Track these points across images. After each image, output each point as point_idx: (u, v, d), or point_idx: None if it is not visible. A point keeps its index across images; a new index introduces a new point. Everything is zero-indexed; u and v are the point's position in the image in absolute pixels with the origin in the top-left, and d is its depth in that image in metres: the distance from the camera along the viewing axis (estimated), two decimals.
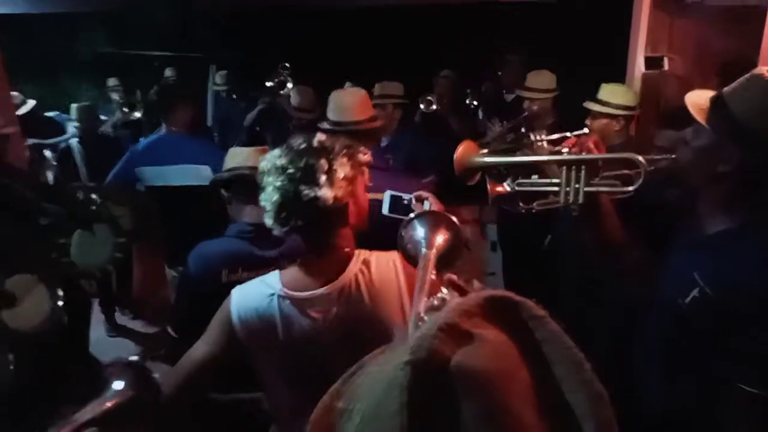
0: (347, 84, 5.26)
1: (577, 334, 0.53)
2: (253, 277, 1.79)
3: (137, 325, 4.31)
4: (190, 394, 1.47)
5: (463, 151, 1.70)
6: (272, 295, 1.41)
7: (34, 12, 6.24)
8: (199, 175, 2.99)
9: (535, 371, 0.48)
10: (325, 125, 2.62)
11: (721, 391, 1.37)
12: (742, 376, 1.34)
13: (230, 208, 2.08)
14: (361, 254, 1.44)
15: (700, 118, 1.43)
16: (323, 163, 1.33)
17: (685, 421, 1.46)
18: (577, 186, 1.51)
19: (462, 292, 0.92)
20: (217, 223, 2.14)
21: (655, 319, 1.57)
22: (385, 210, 1.85)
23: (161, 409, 1.46)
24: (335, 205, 1.34)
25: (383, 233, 1.41)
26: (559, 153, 1.58)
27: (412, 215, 1.23)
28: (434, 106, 4.52)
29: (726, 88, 1.41)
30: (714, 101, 1.41)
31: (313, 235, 1.43)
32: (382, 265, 1.40)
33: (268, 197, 1.37)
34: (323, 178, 1.32)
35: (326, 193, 1.32)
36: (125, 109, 5.00)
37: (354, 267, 1.41)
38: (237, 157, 2.07)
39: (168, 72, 5.94)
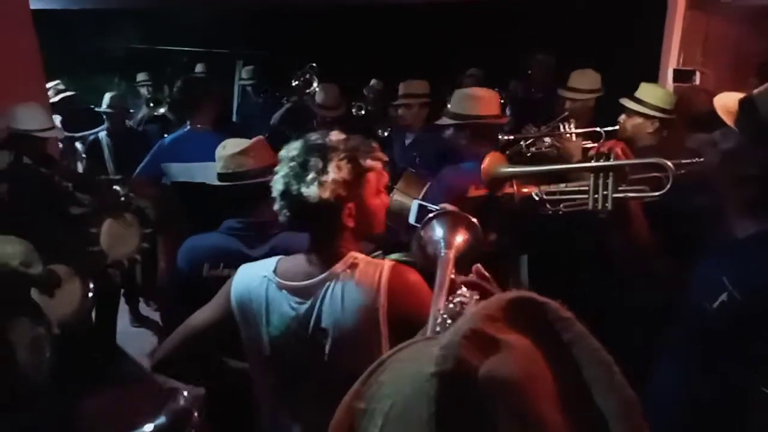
0: (373, 82, 5.29)
1: (600, 337, 0.52)
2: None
3: (160, 317, 4.37)
4: (185, 356, 1.51)
5: (489, 162, 1.69)
6: (264, 277, 1.44)
7: (66, 8, 6.38)
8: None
9: (562, 375, 0.47)
10: (445, 120, 2.61)
11: (745, 396, 1.34)
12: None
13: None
14: (352, 256, 1.43)
15: (728, 120, 1.39)
16: (317, 162, 1.34)
17: (710, 424, 1.44)
18: (605, 193, 1.49)
19: (481, 291, 0.92)
20: None
21: (680, 323, 1.55)
22: (411, 219, 1.85)
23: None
24: (322, 204, 1.34)
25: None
26: (587, 160, 1.56)
27: (430, 215, 1.22)
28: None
29: (756, 90, 1.38)
30: (743, 103, 1.38)
31: (300, 230, 1.47)
32: (366, 272, 1.40)
33: (274, 185, 1.41)
34: (311, 176, 1.33)
35: (311, 191, 1.33)
36: (151, 105, 5.07)
37: (339, 267, 1.40)
38: (229, 163, 2.03)
39: (198, 68, 6.01)
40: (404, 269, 1.41)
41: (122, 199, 3.22)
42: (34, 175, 3.14)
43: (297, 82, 4.57)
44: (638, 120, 2.86)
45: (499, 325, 0.49)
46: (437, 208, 1.72)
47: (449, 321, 0.74)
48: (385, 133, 4.56)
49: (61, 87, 4.84)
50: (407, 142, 3.96)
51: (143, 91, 5.49)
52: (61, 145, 4.17)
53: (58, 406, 2.31)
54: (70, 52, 7.38)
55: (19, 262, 1.63)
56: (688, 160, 1.53)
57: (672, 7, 3.39)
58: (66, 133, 4.26)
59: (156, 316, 4.41)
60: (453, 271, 1.04)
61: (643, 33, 3.97)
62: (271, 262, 1.48)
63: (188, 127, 3.35)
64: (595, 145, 2.93)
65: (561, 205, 1.71)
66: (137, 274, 4.28)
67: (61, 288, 2.31)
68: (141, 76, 5.62)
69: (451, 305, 0.82)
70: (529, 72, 4.65)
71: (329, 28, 7.01)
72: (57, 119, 4.41)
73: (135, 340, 4.09)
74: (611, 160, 1.50)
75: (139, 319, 4.37)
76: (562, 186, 1.65)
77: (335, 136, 1.41)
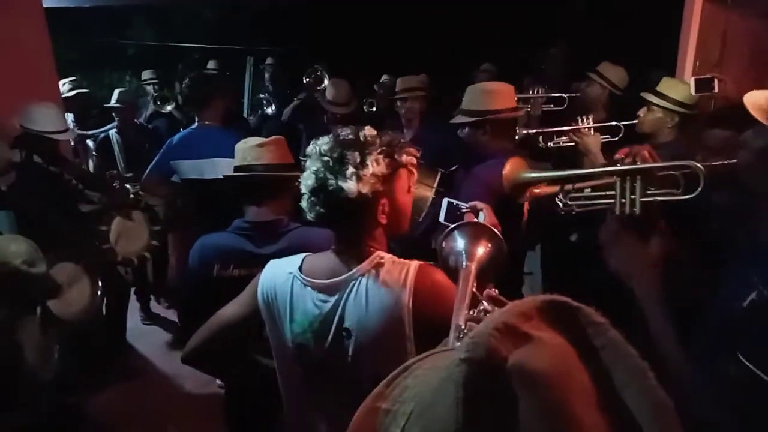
0: (384, 78, 5.25)
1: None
2: (245, 275, 1.82)
3: (171, 314, 4.39)
4: (214, 350, 1.51)
5: (510, 168, 1.65)
6: (290, 273, 1.44)
7: (79, 5, 6.39)
8: (230, 168, 2.99)
9: (594, 376, 0.47)
10: (460, 118, 2.53)
11: None
12: None
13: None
14: (379, 255, 1.39)
15: (760, 117, 1.34)
16: (355, 156, 1.31)
17: (737, 425, 1.40)
18: (633, 197, 1.45)
19: (503, 306, 0.91)
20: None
21: (708, 323, 1.51)
22: (441, 217, 1.82)
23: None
24: (360, 199, 1.31)
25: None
26: (613, 163, 1.52)
27: (452, 226, 1.19)
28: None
29: None
30: None
31: (334, 227, 1.43)
32: (392, 272, 1.36)
33: (304, 181, 1.38)
34: (350, 170, 1.30)
35: (351, 186, 1.30)
36: (158, 102, 5.07)
37: (366, 266, 1.37)
38: (246, 154, 2.03)
39: (211, 64, 6.00)
40: (431, 269, 1.36)
41: (132, 196, 3.22)
42: (44, 173, 3.15)
43: (308, 79, 4.54)
44: (658, 114, 2.80)
45: (533, 323, 0.49)
46: (466, 206, 1.69)
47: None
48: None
49: (76, 83, 4.86)
50: (407, 138, 3.93)
51: (149, 88, 5.49)
52: (72, 143, 4.18)
53: (67, 402, 2.32)
54: (81, 49, 7.43)
55: (21, 261, 1.64)
56: (719, 161, 1.48)
57: (690, 0, 3.30)
58: (78, 132, 4.28)
59: (167, 314, 4.43)
60: (474, 284, 1.01)
61: (660, 27, 3.89)
62: (297, 259, 1.46)
63: (197, 123, 3.34)
64: (614, 139, 2.94)
65: (574, 204, 1.68)
66: (148, 272, 4.29)
67: (70, 288, 2.32)
68: (146, 74, 5.62)
69: (473, 317, 0.81)
70: (543, 67, 4.58)
71: (341, 23, 6.98)
72: (69, 117, 4.44)
73: (146, 337, 4.11)
74: (638, 163, 1.46)
75: (150, 317, 4.38)
76: (587, 191, 1.61)
77: (369, 131, 1.38)
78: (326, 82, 4.39)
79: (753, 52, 3.23)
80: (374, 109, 4.88)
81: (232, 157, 2.09)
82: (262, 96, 5.69)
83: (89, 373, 3.01)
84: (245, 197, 1.99)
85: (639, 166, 1.45)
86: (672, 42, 3.39)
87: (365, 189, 1.31)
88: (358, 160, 1.31)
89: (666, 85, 2.83)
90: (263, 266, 1.83)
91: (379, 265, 1.37)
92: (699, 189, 1.38)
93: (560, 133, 3.08)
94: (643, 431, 0.45)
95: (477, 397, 0.45)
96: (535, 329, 0.48)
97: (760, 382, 1.33)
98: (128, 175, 3.63)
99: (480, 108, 2.45)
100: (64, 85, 4.66)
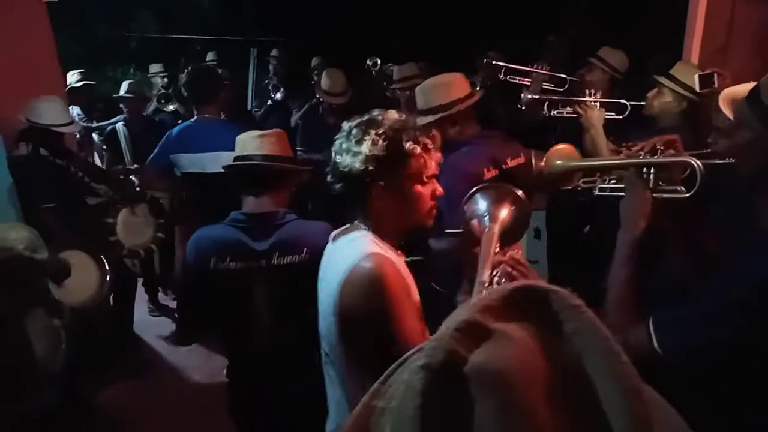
0: (389, 66, 5.21)
1: None
2: (241, 268, 1.85)
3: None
4: None
5: (559, 154, 1.68)
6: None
7: None
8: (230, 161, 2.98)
9: (563, 365, 0.45)
10: (421, 119, 2.33)
11: None
12: None
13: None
14: (358, 228, 1.42)
15: (727, 110, 1.35)
16: (357, 134, 1.36)
17: (756, 422, 1.40)
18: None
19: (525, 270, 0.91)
20: None
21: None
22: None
23: None
24: (352, 175, 1.35)
25: None
26: (636, 155, 1.51)
27: (474, 188, 1.19)
28: (477, 89, 4.42)
29: (763, 78, 1.33)
30: (750, 93, 1.33)
31: (344, 204, 1.46)
32: (344, 254, 1.38)
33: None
34: (345, 145, 1.37)
35: (345, 160, 1.35)
36: (162, 101, 5.04)
37: (338, 233, 1.46)
38: (247, 144, 2.03)
39: (210, 56, 5.98)
40: (370, 268, 1.30)
41: (137, 189, 3.23)
42: (51, 166, 3.16)
43: (314, 81, 4.51)
44: (668, 98, 2.79)
45: (497, 315, 0.47)
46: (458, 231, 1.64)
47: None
48: None
49: (84, 75, 4.86)
50: None
51: (157, 82, 5.47)
52: (78, 136, 4.19)
53: (74, 394, 2.34)
54: (83, 43, 7.42)
55: (23, 247, 1.64)
56: (718, 160, 1.49)
57: None
58: (83, 125, 4.29)
59: (174, 305, 4.45)
60: (498, 245, 1.01)
61: (664, 13, 3.84)
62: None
63: (196, 117, 3.32)
64: (618, 117, 2.96)
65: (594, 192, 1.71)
66: (155, 264, 4.31)
67: (78, 275, 2.34)
68: (155, 68, 5.61)
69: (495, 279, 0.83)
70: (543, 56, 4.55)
71: (342, 12, 6.94)
72: (76, 110, 4.44)
73: (153, 329, 4.14)
74: (657, 155, 1.46)
75: (157, 308, 4.41)
76: (612, 181, 1.64)
77: (392, 113, 1.40)
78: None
79: (760, 38, 3.20)
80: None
81: (233, 150, 2.09)
82: (267, 81, 5.63)
83: (96, 365, 3.03)
84: (243, 188, 1.98)
85: (657, 159, 1.45)
86: (678, 31, 3.36)
87: (355, 165, 1.33)
88: (358, 138, 1.35)
89: (679, 70, 2.81)
90: (258, 259, 1.85)
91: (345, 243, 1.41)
92: (696, 186, 1.38)
93: (565, 103, 3.09)
94: (609, 419, 0.43)
95: (435, 404, 0.44)
96: (501, 322, 0.47)
97: None
98: (134, 167, 3.64)
99: (440, 103, 2.35)
100: (73, 76, 4.67)
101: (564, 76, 3.58)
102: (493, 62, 3.81)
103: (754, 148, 1.33)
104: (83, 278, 2.43)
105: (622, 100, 3.00)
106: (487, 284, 0.80)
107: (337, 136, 1.41)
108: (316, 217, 2.03)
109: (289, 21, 7.28)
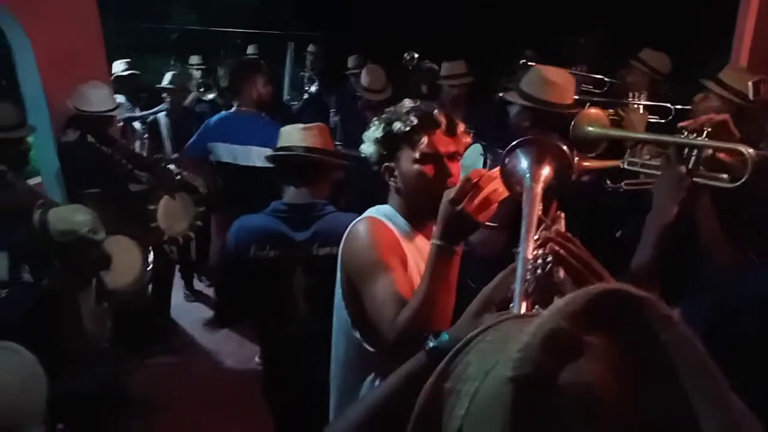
0: (425, 62, 5.20)
1: None
2: (281, 257, 1.91)
3: (213, 292, 4.51)
4: None
5: (588, 116, 1.64)
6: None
7: None
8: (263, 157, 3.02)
9: (654, 381, 0.43)
10: (513, 95, 2.22)
11: None
12: None
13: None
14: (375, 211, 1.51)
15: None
16: (373, 122, 1.49)
17: None
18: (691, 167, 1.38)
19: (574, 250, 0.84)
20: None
21: (753, 316, 1.48)
22: None
23: None
24: (371, 162, 1.50)
25: None
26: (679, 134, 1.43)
27: (514, 143, 1.08)
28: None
29: None
30: None
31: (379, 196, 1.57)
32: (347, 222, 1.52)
33: None
34: (362, 130, 1.51)
35: (363, 147, 1.50)
36: (201, 89, 5.14)
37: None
38: (290, 136, 2.07)
39: (250, 49, 6.05)
40: (360, 226, 1.45)
41: (177, 178, 3.32)
42: (97, 153, 3.27)
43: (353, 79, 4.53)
44: (715, 103, 2.69)
45: (584, 323, 0.44)
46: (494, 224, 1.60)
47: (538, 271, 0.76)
48: None
49: (131, 64, 4.99)
50: None
51: (195, 73, 5.58)
52: (121, 124, 4.31)
53: (115, 375, 2.42)
54: (125, 34, 7.59)
55: (87, 230, 1.72)
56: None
57: None
58: (127, 114, 4.41)
59: (209, 292, 4.55)
60: (540, 207, 0.94)
61: (714, 18, 3.75)
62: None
63: (234, 108, 3.41)
64: (662, 121, 2.89)
65: (623, 183, 1.67)
66: (192, 251, 4.41)
67: (121, 260, 2.42)
68: (194, 59, 5.71)
69: (539, 261, 0.78)
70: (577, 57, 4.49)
71: (379, 8, 6.94)
72: (122, 98, 4.57)
73: (189, 314, 4.24)
74: (703, 136, 1.38)
75: (193, 294, 4.51)
76: (645, 157, 1.59)
77: (409, 102, 1.47)
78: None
79: None
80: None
81: (266, 146, 2.13)
82: (302, 74, 5.68)
83: (135, 348, 3.13)
84: (285, 178, 2.03)
85: (705, 142, 1.38)
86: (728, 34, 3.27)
87: (367, 150, 1.49)
88: (374, 125, 1.48)
89: (728, 74, 2.71)
90: (297, 249, 1.89)
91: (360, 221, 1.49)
92: (746, 176, 1.31)
93: (608, 105, 3.01)
94: None
95: (525, 420, 0.42)
96: (588, 332, 0.44)
97: None
98: (174, 156, 3.73)
99: (535, 95, 2.18)
100: (119, 65, 4.80)
101: (602, 77, 3.53)
102: (530, 63, 3.76)
103: None
104: (126, 263, 2.52)
105: (667, 104, 2.93)
106: (532, 262, 0.75)
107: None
108: (353, 210, 2.06)
109: (326, 16, 7.33)
